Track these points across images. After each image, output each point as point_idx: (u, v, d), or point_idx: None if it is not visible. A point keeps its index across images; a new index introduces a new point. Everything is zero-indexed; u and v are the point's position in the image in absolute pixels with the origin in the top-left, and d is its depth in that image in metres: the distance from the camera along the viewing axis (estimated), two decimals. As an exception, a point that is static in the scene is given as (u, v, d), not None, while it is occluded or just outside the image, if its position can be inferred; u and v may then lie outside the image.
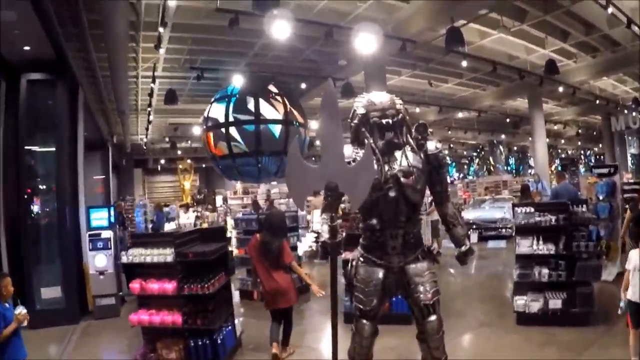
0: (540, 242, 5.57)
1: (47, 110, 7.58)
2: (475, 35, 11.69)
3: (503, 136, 29.85)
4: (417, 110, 19.82)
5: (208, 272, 4.83)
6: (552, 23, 11.20)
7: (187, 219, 15.26)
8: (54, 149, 7.60)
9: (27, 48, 6.65)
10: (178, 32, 10.47)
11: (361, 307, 3.20)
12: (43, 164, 7.86)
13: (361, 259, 3.33)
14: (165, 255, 4.74)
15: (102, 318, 7.10)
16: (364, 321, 3.18)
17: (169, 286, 4.73)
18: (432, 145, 3.28)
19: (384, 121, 3.15)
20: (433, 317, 3.11)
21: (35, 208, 7.78)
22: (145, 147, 24.02)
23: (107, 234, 7.60)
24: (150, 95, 12.94)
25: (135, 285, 4.90)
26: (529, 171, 32.33)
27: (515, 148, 37.02)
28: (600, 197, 7.62)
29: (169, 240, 4.77)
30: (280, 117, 9.31)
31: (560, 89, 15.50)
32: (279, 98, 9.61)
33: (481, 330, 5.68)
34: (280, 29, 7.79)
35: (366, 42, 8.42)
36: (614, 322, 5.10)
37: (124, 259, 5.03)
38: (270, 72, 12.05)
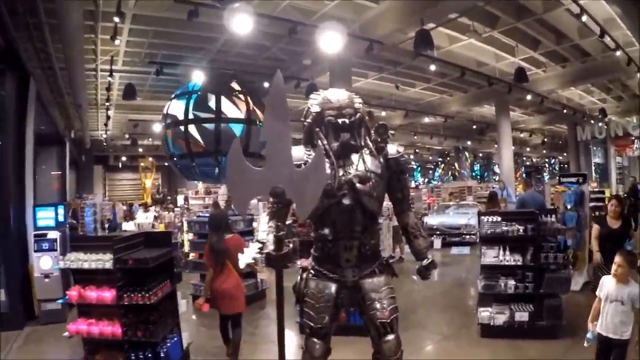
0: (507, 252, 5.39)
1: None
2: (445, 40, 11.64)
3: (469, 142, 30.27)
4: (383, 114, 19.76)
5: (151, 280, 4.42)
6: (523, 30, 11.25)
7: (145, 219, 14.62)
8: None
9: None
10: (138, 25, 9.98)
11: (311, 324, 2.89)
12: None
13: (312, 271, 3.02)
14: (103, 261, 4.32)
15: (48, 323, 6.63)
16: (315, 340, 2.87)
17: (108, 295, 4.30)
18: (392, 149, 3.00)
19: (339, 121, 2.85)
20: (390, 337, 2.81)
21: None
22: (105, 144, 23.09)
23: (53, 234, 7.09)
24: (108, 89, 12.29)
25: (73, 292, 4.46)
26: (494, 178, 32.99)
27: (480, 154, 37.73)
28: (569, 206, 7.55)
29: (107, 245, 4.33)
30: (242, 116, 8.95)
31: (529, 97, 15.71)
32: (241, 96, 9.28)
33: (444, 342, 5.47)
34: (241, 23, 7.48)
35: (331, 41, 8.17)
36: (581, 336, 4.96)
37: (61, 264, 4.55)
38: (233, 70, 11.65)
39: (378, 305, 2.83)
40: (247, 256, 2.76)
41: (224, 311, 4.72)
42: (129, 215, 16.88)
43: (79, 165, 23.73)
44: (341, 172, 2.82)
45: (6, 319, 6.51)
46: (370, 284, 2.89)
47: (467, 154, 33.63)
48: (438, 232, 13.25)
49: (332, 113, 2.87)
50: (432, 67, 11.87)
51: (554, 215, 5.58)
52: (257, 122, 9.12)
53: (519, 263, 5.31)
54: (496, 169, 30.89)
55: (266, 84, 12.91)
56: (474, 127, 24.22)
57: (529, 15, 10.20)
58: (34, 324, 6.71)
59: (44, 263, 6.87)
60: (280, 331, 2.52)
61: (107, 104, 14.33)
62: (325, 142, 2.87)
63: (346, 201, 2.78)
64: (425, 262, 3.03)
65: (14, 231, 6.99)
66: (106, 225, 15.23)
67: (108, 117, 16.49)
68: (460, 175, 33.04)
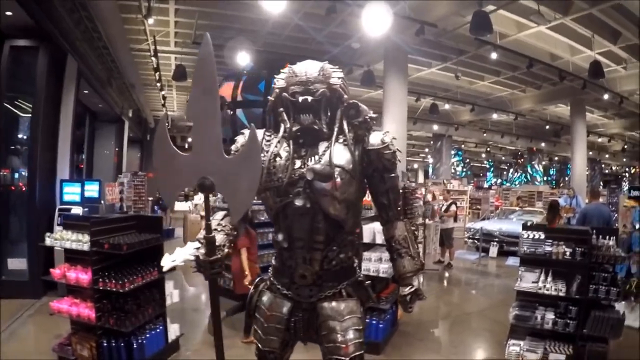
0: (549, 278, 4.45)
1: (28, 77, 7.19)
2: (512, 26, 10.41)
3: (543, 144, 27.89)
4: (447, 106, 18.52)
5: (131, 267, 4.15)
6: (601, 20, 9.77)
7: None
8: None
9: (8, 13, 6.33)
10: (184, 5, 9.81)
11: (259, 346, 2.33)
12: (22, 131, 7.53)
13: (268, 282, 2.46)
14: (81, 242, 4.10)
15: (65, 296, 6.65)
16: None
17: (85, 277, 4.09)
18: (376, 138, 2.24)
19: (300, 98, 2.19)
20: None
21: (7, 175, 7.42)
22: (168, 124, 23.75)
23: (77, 209, 7.14)
24: (156, 70, 12.34)
25: (57, 270, 4.36)
26: (567, 184, 30.29)
27: (556, 158, 34.79)
28: (637, 226, 6.30)
29: (85, 225, 4.08)
30: None
31: (606, 97, 13.96)
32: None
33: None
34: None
35: (375, 22, 7.41)
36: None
37: (47, 242, 4.39)
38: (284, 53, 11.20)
39: (339, 338, 2.15)
40: (179, 256, 2.24)
41: (240, 291, 4.95)
42: (186, 195, 17.08)
43: (143, 144, 24.70)
44: (298, 164, 2.18)
45: (26, 287, 6.68)
46: (331, 309, 2.19)
47: (540, 156, 31.02)
48: (496, 240, 12.03)
49: (296, 89, 2.22)
50: (494, 55, 10.67)
51: (613, 238, 4.46)
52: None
53: (562, 293, 4.37)
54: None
55: None
56: (547, 127, 22.23)
57: (606, 0, 8.77)
58: (54, 295, 6.74)
59: (65, 237, 6.95)
60: (219, 354, 2.13)
61: (158, 84, 14.47)
62: (288, 125, 2.28)
63: (299, 202, 2.12)
64: (408, 289, 2.28)
65: (41, 204, 7.09)
66: (156, 206, 15.61)
67: (164, 98, 16.74)
68: (532, 178, 30.61)
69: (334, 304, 2.21)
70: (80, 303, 4.24)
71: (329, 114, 2.26)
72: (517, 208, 15.97)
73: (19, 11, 6.15)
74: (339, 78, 2.28)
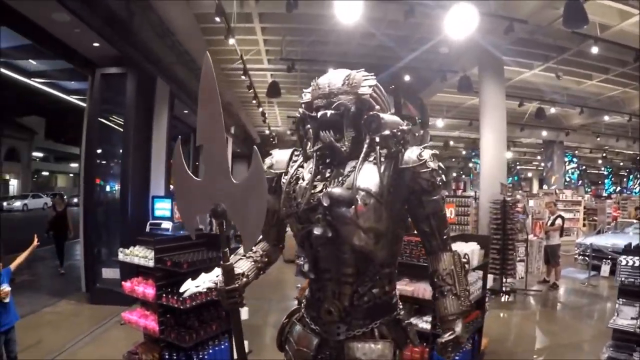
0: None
1: (119, 101, 7.96)
2: (615, 16, 9.13)
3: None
4: (553, 110, 16.92)
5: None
6: None
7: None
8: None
9: (96, 45, 6.98)
10: (269, 23, 10.09)
11: None
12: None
13: (301, 313, 2.22)
14: (147, 258, 4.29)
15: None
16: None
17: (151, 292, 4.28)
18: (411, 155, 1.89)
19: (319, 114, 1.94)
20: None
21: (107, 189, 8.20)
22: (272, 140, 24.65)
23: (167, 224, 7.53)
24: (249, 87, 12.82)
25: (128, 283, 4.62)
26: None
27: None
28: None
29: (150, 242, 4.27)
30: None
31: None
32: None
33: None
34: (350, 12, 6.88)
35: (459, 23, 6.97)
36: None
37: (120, 256, 4.69)
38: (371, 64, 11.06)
39: None
40: (202, 282, 2.17)
41: None
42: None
43: (249, 160, 26.27)
44: (320, 188, 1.93)
45: (117, 295, 7.06)
46: (360, 350, 1.92)
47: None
48: (609, 257, 10.57)
49: (319, 103, 2.00)
50: (594, 50, 9.44)
51: None
52: (417, 119, 8.28)
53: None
54: None
55: (407, 77, 12.11)
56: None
57: None
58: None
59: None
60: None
61: (253, 102, 15.07)
62: (310, 144, 2.10)
63: (317, 231, 1.86)
64: (447, 335, 1.89)
65: (133, 218, 7.64)
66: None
67: (263, 114, 17.33)
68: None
69: (363, 345, 1.92)
70: (149, 315, 4.46)
71: (357, 129, 1.96)
72: (635, 220, 13.99)
73: (105, 43, 6.77)
74: (370, 87, 1.98)
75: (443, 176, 1.97)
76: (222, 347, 4.55)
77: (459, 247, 4.89)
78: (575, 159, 28.67)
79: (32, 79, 16.78)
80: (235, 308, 2.00)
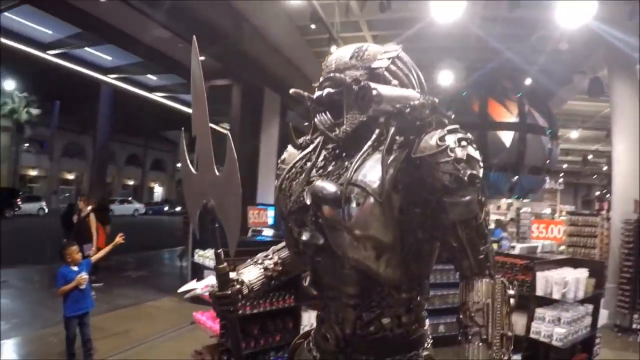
0: None
1: (226, 112, 8.54)
2: None
3: None
4: None
5: (266, 292, 4.16)
6: None
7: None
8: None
9: (202, 58, 7.42)
10: (377, 30, 9.94)
11: None
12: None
13: (312, 335, 1.91)
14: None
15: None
16: None
17: (214, 294, 4.27)
18: (430, 140, 1.36)
19: (317, 94, 1.60)
20: None
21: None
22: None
23: (268, 232, 7.67)
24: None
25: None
26: None
27: None
28: None
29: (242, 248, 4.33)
30: (514, 120, 7.63)
31: None
32: (513, 97, 7.89)
33: None
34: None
35: (571, 12, 6.03)
36: None
37: (195, 259, 4.83)
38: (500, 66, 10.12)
39: None
40: (202, 284, 1.97)
41: None
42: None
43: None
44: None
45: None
46: None
47: None
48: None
49: (325, 83, 1.61)
50: None
51: None
52: (546, 130, 7.53)
53: None
54: None
55: (528, 80, 10.97)
56: None
57: None
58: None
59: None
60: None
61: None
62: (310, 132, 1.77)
63: (305, 236, 1.52)
64: None
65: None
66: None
67: None
68: None
69: None
70: (217, 318, 4.46)
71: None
72: None
73: (211, 57, 7.21)
74: (388, 59, 1.54)
75: (479, 169, 1.35)
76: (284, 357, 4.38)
77: (562, 273, 4.07)
78: None
79: (153, 92, 17.71)
80: (227, 317, 1.73)
